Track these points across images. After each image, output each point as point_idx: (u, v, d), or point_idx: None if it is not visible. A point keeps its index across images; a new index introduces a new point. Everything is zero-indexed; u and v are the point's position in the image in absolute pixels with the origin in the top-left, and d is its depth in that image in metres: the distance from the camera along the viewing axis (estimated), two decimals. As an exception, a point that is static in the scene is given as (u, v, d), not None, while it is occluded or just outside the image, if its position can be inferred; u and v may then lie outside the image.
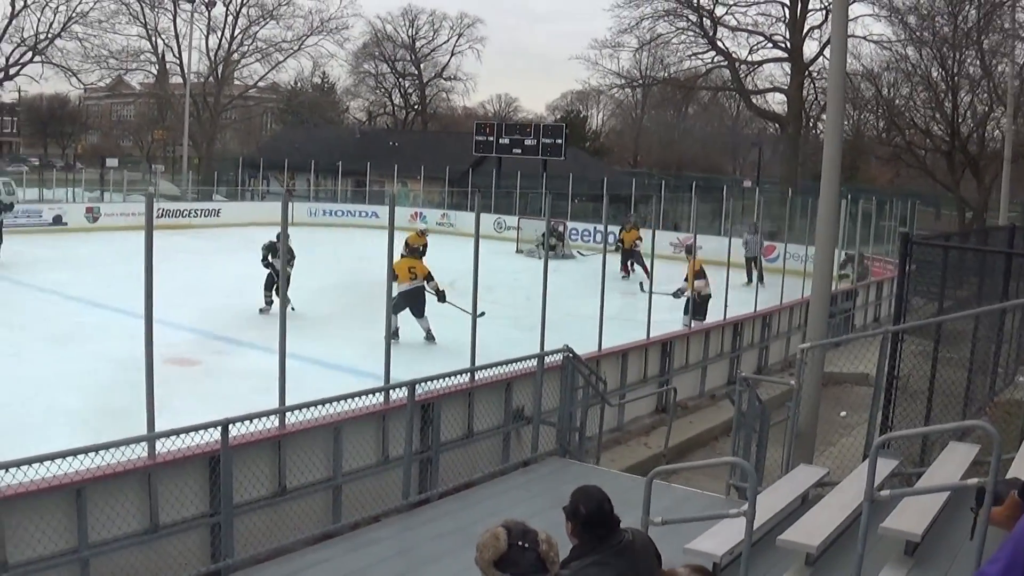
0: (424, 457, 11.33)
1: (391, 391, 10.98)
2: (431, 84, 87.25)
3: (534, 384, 12.85)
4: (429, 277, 18.97)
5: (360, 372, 14.96)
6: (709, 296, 20.02)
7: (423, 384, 11.08)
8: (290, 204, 43.91)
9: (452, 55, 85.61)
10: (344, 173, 52.54)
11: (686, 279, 20.45)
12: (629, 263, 30.24)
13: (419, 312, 19.09)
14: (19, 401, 13.58)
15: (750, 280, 25.17)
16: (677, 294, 20.17)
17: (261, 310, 21.17)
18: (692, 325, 18.81)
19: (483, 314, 12.93)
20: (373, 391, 10.63)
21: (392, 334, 14.92)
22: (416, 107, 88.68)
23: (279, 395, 9.80)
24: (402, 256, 20.09)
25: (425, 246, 23.63)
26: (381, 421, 10.88)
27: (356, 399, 10.36)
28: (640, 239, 30.15)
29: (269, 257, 20.94)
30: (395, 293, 15.80)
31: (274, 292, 20.54)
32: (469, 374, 12.21)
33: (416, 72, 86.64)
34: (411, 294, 18.88)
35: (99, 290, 20.81)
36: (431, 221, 44.70)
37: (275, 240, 20.28)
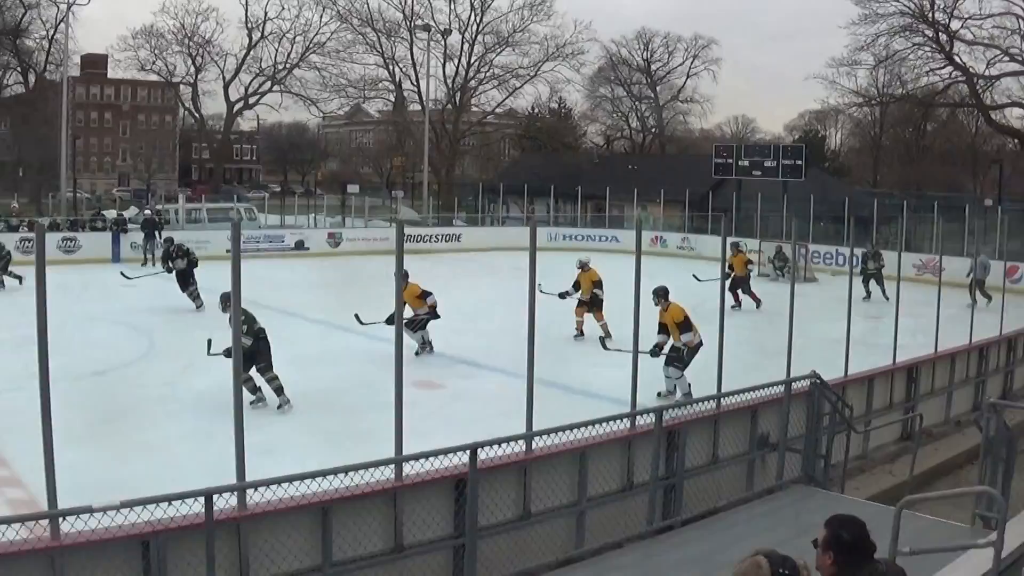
0: (668, 484, 11.35)
1: (637, 417, 11.12)
2: (667, 107, 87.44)
3: (780, 411, 12.78)
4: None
5: (602, 397, 15.05)
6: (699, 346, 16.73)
7: (669, 411, 11.18)
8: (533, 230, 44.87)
9: (687, 77, 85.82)
10: (583, 197, 53.00)
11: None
12: (738, 292, 27.28)
13: None
14: (268, 422, 14.25)
15: (974, 301, 23.99)
16: (654, 352, 16.33)
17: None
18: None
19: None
20: (620, 417, 10.79)
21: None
22: (653, 130, 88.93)
23: (526, 420, 10.01)
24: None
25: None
26: (626, 447, 10.98)
27: (602, 425, 10.52)
28: (751, 263, 28.76)
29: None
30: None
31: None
32: (715, 401, 12.23)
33: (652, 95, 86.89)
34: None
35: (341, 314, 21.65)
36: (671, 245, 45.07)
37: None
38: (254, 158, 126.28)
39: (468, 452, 9.13)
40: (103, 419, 14.16)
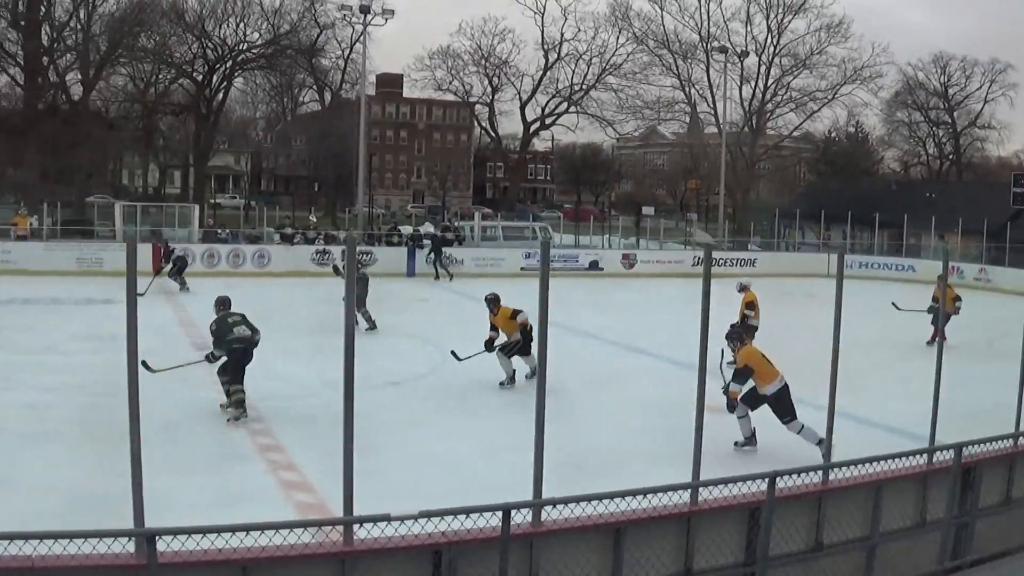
0: (961, 522, 10.86)
1: (935, 453, 10.71)
2: (965, 133, 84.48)
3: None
4: None
5: (898, 431, 14.61)
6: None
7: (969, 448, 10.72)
8: (828, 256, 43.82)
9: (984, 103, 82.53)
10: (880, 225, 51.69)
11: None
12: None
13: None
14: (567, 437, 14.43)
15: None
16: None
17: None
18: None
19: None
20: (918, 452, 10.45)
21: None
22: (951, 157, 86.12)
23: (824, 451, 9.91)
24: None
25: None
26: (922, 483, 10.55)
27: (899, 459, 10.15)
28: (959, 299, 25.03)
29: None
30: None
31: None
32: (1012, 439, 11.63)
33: (949, 120, 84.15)
34: None
35: (636, 335, 21.81)
36: (968, 276, 43.21)
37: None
38: (548, 178, 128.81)
39: (766, 480, 9.03)
40: (394, 428, 14.67)
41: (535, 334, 16.78)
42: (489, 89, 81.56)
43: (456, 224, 49.81)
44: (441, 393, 17.45)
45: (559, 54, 77.72)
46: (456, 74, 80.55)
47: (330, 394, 16.24)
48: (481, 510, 7.67)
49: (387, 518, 7.29)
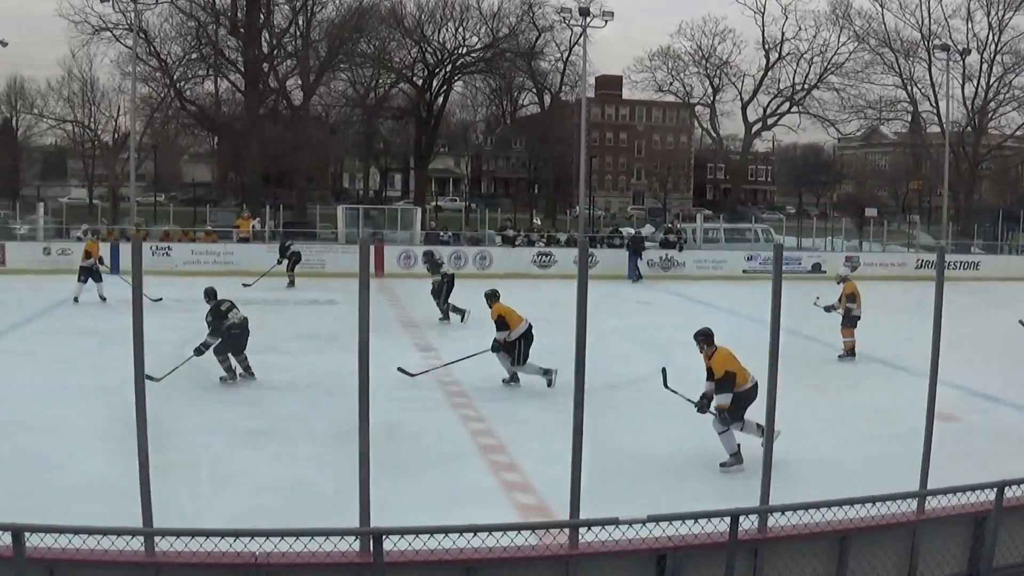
0: None
1: None
2: None
3: None
4: None
5: None
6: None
7: None
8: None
9: None
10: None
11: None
12: None
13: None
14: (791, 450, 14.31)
15: None
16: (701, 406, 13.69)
17: None
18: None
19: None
20: None
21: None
22: None
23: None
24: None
25: None
26: None
27: None
28: None
29: None
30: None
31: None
32: None
33: None
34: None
35: (860, 340, 21.44)
36: None
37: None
38: (768, 179, 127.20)
39: (995, 490, 8.79)
40: (618, 431, 14.55)
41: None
42: (710, 90, 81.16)
43: (678, 226, 49.71)
44: (665, 397, 17.42)
45: (780, 53, 76.89)
46: (677, 75, 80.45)
47: (555, 396, 16.56)
48: (709, 515, 7.66)
49: (615, 521, 7.30)
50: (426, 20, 68.65)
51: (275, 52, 62.55)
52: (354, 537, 7.00)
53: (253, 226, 42.94)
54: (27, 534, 6.55)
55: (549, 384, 17.49)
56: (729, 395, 13.13)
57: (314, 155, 63.91)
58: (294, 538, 6.69)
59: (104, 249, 34.25)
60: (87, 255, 29.31)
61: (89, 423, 14.49)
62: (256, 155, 59.19)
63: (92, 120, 72.45)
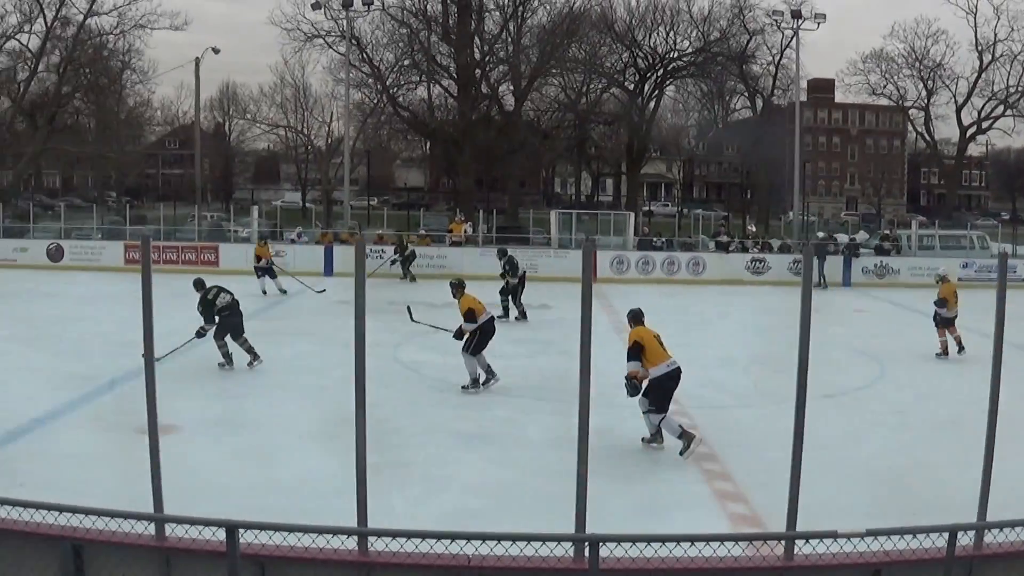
0: None
1: None
2: None
3: None
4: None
5: None
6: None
7: None
8: None
9: None
10: None
11: None
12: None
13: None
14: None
15: None
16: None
17: None
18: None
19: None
20: None
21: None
22: None
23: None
24: None
25: None
26: None
27: None
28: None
29: None
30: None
31: None
32: None
33: None
34: None
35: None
36: None
37: None
38: (983, 184, 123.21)
39: None
40: (831, 443, 14.24)
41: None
42: (924, 93, 78.99)
43: (894, 233, 48.67)
44: (879, 407, 17.14)
45: (993, 55, 74.28)
46: (890, 78, 78.52)
47: (768, 405, 16.44)
48: (927, 531, 7.55)
49: (834, 535, 7.20)
50: (636, 24, 68.62)
51: (487, 58, 63.31)
52: (569, 543, 6.98)
53: (465, 230, 43.59)
54: (241, 531, 6.72)
55: (464, 388, 17.45)
56: (637, 363, 13.65)
57: (526, 160, 64.53)
58: (510, 542, 6.68)
59: (314, 252, 35.54)
60: (257, 258, 31.89)
61: (304, 422, 14.97)
62: (469, 160, 60.12)
63: (305, 125, 74.55)
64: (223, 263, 39.20)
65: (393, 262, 36.82)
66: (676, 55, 70.19)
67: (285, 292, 31.41)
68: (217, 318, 18.72)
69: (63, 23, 60.01)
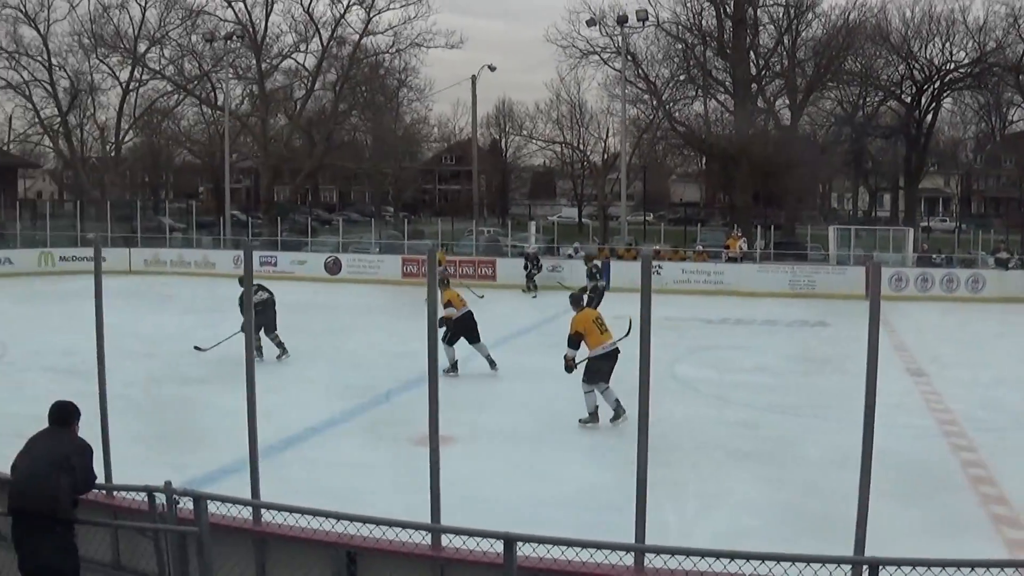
0: None
1: None
2: None
3: None
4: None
5: None
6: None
7: None
8: None
9: None
10: None
11: None
12: None
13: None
14: None
15: None
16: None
17: None
18: None
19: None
20: None
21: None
22: None
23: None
24: None
25: None
26: None
27: None
28: None
29: None
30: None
31: None
32: None
33: None
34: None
35: None
36: None
37: None
38: None
39: None
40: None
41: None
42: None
43: None
44: None
45: None
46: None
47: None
48: None
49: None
50: (912, 36, 66.56)
51: (762, 72, 62.71)
52: (848, 566, 6.81)
53: (740, 246, 43.40)
54: (519, 543, 6.81)
55: (453, 370, 19.58)
56: (574, 351, 15.76)
57: (803, 174, 63.48)
58: (788, 563, 6.56)
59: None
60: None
61: (582, 435, 15.27)
62: (745, 175, 59.63)
63: (581, 141, 75.08)
64: (500, 277, 40.05)
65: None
66: (952, 66, 67.80)
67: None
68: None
69: (339, 43, 62.21)
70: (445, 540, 7.25)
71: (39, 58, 62.01)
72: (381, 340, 22.11)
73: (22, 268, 42.14)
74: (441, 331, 18.93)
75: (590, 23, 55.80)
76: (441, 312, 19.52)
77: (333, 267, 42.29)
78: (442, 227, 50.94)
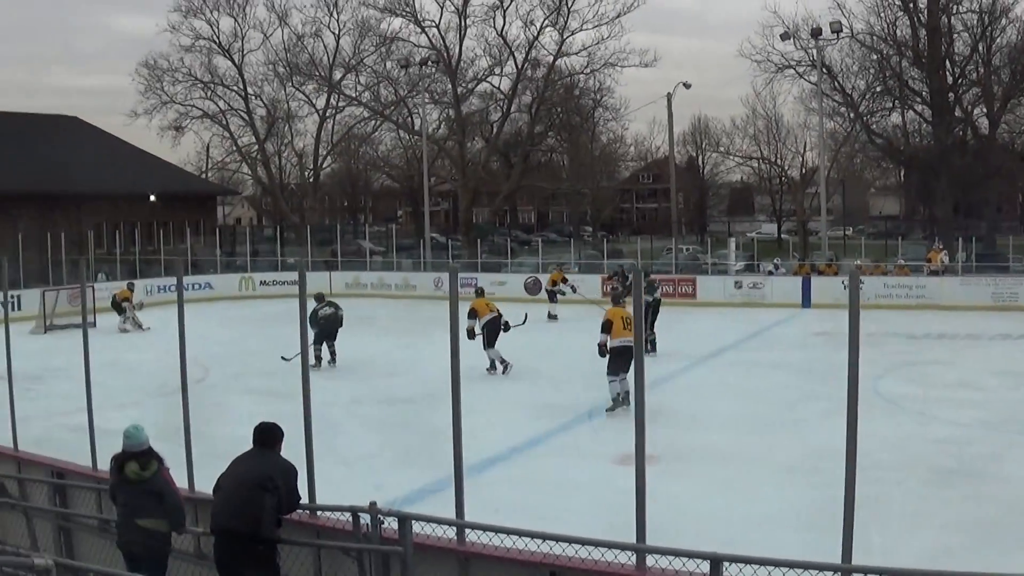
0: None
1: None
2: None
3: None
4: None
5: None
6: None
7: None
8: None
9: None
10: None
11: None
12: None
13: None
14: None
15: None
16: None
17: None
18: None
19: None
20: None
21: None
22: None
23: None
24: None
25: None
26: None
27: None
28: None
29: None
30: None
31: None
32: None
33: None
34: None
35: None
36: None
37: None
38: None
39: None
40: None
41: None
42: None
43: None
44: None
45: None
46: None
47: None
48: None
49: None
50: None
51: (958, 80, 60.91)
52: None
53: (942, 259, 42.21)
54: (725, 564, 6.72)
55: (492, 368, 22.55)
56: (606, 336, 18.13)
57: (1003, 185, 61.45)
58: None
59: (792, 284, 35.70)
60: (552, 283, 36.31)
61: (780, 454, 15.04)
62: (945, 186, 58.05)
63: (778, 156, 74.22)
64: (700, 295, 39.65)
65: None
66: None
67: (555, 317, 34.72)
68: (316, 327, 23.08)
69: (533, 65, 62.45)
70: (651, 560, 7.19)
71: (235, 88, 64.31)
72: (580, 360, 22.24)
73: (222, 292, 43.64)
74: (478, 338, 22.36)
75: (784, 37, 55.11)
76: (465, 323, 21.66)
77: (533, 287, 42.37)
78: (641, 245, 50.86)
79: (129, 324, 33.10)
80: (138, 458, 8.49)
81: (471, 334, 21.84)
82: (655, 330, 25.50)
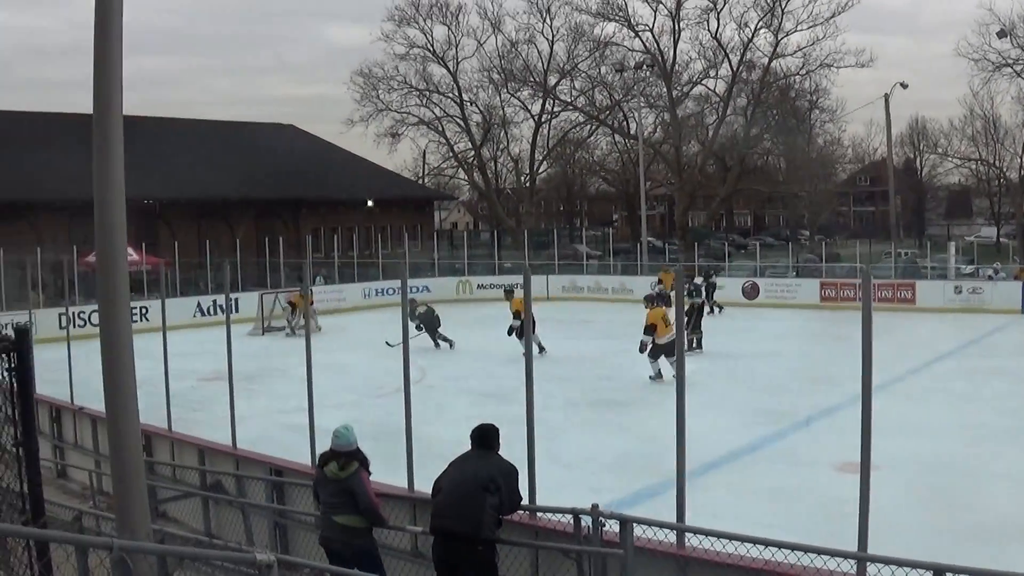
0: None
1: None
2: None
3: None
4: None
5: None
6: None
7: None
8: None
9: None
10: None
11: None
12: None
13: None
14: None
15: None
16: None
17: None
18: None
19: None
20: None
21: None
22: None
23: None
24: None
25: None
26: None
27: None
28: None
29: None
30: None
31: None
32: None
33: None
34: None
35: None
36: None
37: None
38: None
39: None
40: None
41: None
42: None
43: None
44: None
45: None
46: None
47: None
48: None
49: None
50: None
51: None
52: None
53: None
54: (948, 574, 6.54)
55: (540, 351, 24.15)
56: (649, 337, 21.61)
57: None
58: None
59: (1012, 288, 34.37)
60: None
61: (1000, 464, 14.52)
62: None
63: (997, 157, 71.71)
64: (920, 300, 38.34)
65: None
66: None
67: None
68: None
69: (748, 67, 61.78)
70: (872, 569, 6.98)
71: (450, 95, 65.37)
72: (799, 365, 21.78)
73: (440, 295, 43.74)
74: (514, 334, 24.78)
75: (1000, 35, 53.36)
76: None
77: (751, 292, 42.06)
78: (859, 249, 49.70)
79: (293, 328, 33.24)
80: (340, 458, 8.69)
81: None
82: (702, 329, 26.76)
